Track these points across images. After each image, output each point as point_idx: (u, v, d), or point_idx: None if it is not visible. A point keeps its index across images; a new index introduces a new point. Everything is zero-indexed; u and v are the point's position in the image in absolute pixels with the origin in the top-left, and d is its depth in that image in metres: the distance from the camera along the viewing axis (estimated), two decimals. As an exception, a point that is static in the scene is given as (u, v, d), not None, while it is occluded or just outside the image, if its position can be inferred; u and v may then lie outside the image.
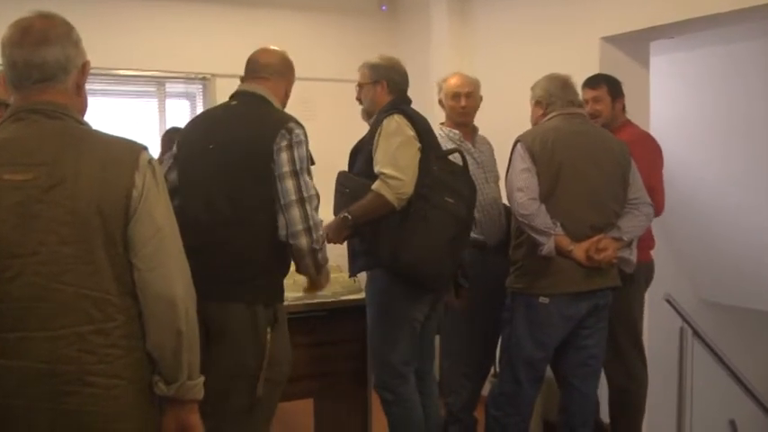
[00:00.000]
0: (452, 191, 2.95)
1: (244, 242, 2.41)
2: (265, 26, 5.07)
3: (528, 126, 3.32)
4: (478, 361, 3.69)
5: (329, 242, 2.85)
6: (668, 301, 3.47)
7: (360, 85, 3.17)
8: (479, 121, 3.76)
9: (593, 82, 3.57)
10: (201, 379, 1.77)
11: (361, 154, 3.03)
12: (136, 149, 1.71)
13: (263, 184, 2.39)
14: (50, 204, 1.61)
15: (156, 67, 4.95)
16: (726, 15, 3.49)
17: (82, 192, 1.62)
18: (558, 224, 2.99)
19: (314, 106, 4.73)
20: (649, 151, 3.50)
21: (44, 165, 1.62)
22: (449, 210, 2.92)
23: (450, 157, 3.12)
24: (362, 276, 3.27)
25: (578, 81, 3.44)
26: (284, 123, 2.43)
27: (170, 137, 3.94)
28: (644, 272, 3.51)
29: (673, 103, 5.27)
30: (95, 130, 1.74)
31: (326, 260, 2.55)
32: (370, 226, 2.90)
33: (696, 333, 3.40)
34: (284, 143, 2.40)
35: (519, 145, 3.09)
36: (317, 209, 2.44)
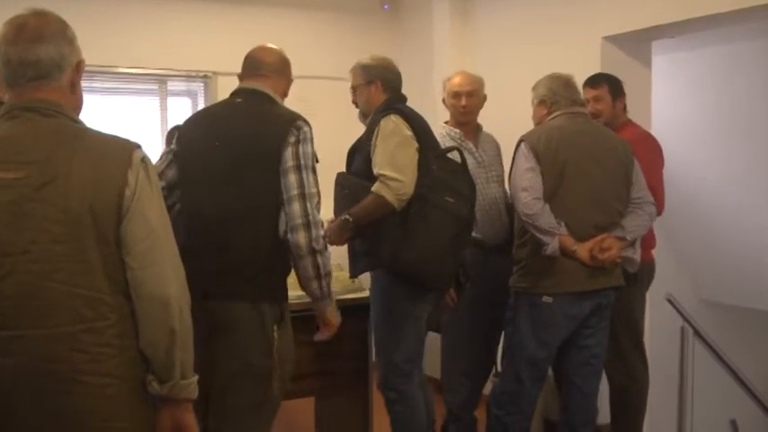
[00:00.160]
0: (452, 190, 2.96)
1: (251, 239, 2.40)
2: (267, 24, 5.07)
3: (529, 126, 3.32)
4: (478, 359, 3.69)
5: (330, 244, 2.85)
6: (669, 301, 3.46)
7: (354, 88, 3.18)
8: (481, 120, 3.76)
9: (593, 81, 3.57)
10: (195, 378, 1.77)
11: (359, 154, 3.04)
12: (129, 148, 1.70)
13: (273, 182, 2.39)
14: (42, 203, 1.60)
15: (157, 65, 4.95)
16: (727, 15, 3.48)
17: (74, 190, 1.61)
18: (563, 224, 2.99)
19: (314, 105, 4.72)
20: (650, 151, 3.49)
21: (36, 163, 1.62)
22: (449, 209, 2.92)
23: (450, 156, 3.12)
24: (363, 276, 3.27)
25: (580, 81, 3.44)
26: (294, 121, 2.43)
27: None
28: (645, 271, 3.51)
29: (674, 103, 5.26)
30: (89, 129, 1.73)
31: (330, 274, 2.47)
32: (371, 227, 2.90)
33: (697, 333, 3.40)
34: (292, 139, 2.40)
35: (523, 144, 3.09)
36: (318, 208, 2.43)
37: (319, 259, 2.40)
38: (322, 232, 2.43)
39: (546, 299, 3.05)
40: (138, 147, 1.72)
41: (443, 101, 3.72)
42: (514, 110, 3.71)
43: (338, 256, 3.15)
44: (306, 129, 2.44)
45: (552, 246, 2.96)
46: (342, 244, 3.00)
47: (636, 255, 3.14)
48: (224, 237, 2.40)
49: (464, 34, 5.01)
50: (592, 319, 3.13)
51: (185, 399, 1.76)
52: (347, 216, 2.91)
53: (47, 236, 1.60)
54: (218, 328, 2.41)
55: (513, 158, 3.14)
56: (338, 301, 2.72)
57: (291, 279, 2.53)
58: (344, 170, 3.16)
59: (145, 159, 1.71)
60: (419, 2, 5.37)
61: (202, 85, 5.12)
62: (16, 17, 1.71)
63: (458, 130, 3.64)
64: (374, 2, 5.62)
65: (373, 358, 3.48)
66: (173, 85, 5.11)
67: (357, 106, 3.21)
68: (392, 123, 2.91)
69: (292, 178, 2.38)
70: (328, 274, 2.45)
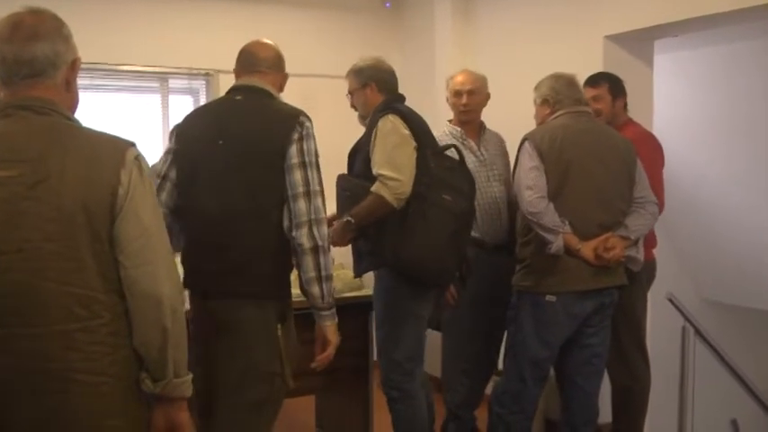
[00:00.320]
0: (450, 187, 2.97)
1: (256, 238, 2.40)
2: (269, 22, 5.06)
3: (531, 125, 3.32)
4: (478, 359, 3.69)
5: (334, 245, 2.86)
6: (670, 301, 3.46)
7: (350, 92, 3.21)
8: (483, 119, 3.76)
9: (593, 81, 3.57)
10: (189, 376, 1.77)
11: (359, 155, 3.06)
12: (122, 146, 1.70)
13: (277, 179, 2.38)
14: (36, 201, 1.60)
15: (159, 63, 4.94)
16: (729, 14, 3.48)
17: (67, 188, 1.61)
18: (567, 222, 3.00)
19: (316, 102, 4.71)
20: (650, 150, 3.49)
21: (30, 161, 1.61)
22: (447, 207, 2.94)
23: (449, 153, 3.13)
24: (366, 274, 3.28)
25: (582, 80, 3.43)
26: (297, 117, 2.42)
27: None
28: (646, 271, 3.51)
29: (676, 102, 5.25)
30: (83, 127, 1.73)
31: (331, 278, 2.42)
32: (373, 227, 2.92)
33: (698, 332, 3.40)
34: (296, 136, 2.39)
35: (527, 143, 3.09)
36: (323, 205, 2.42)
37: (321, 258, 2.38)
38: (326, 230, 2.42)
39: (549, 298, 3.05)
40: (132, 145, 1.72)
41: (447, 99, 3.72)
42: (516, 109, 3.71)
43: (340, 255, 3.16)
44: (308, 124, 2.43)
45: (556, 244, 2.96)
46: (345, 245, 3.02)
47: (639, 254, 3.15)
48: (229, 236, 2.39)
49: (466, 32, 5.01)
50: (594, 318, 3.13)
51: (179, 397, 1.76)
52: (348, 217, 2.93)
53: (40, 234, 1.60)
54: (223, 327, 2.41)
55: (517, 157, 3.14)
56: (339, 299, 2.71)
57: (293, 277, 2.53)
58: (346, 171, 3.18)
59: (138, 158, 1.70)
60: (421, 0, 5.37)
61: (204, 82, 5.12)
62: (12, 15, 1.70)
63: (459, 129, 3.64)
64: (376, 0, 5.62)
65: (374, 357, 3.49)
66: (174, 83, 5.10)
67: (356, 110, 3.22)
68: (390, 123, 2.93)
69: (297, 175, 2.37)
70: (330, 278, 2.41)
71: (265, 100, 2.52)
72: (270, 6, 5.20)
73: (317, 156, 2.45)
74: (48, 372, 1.60)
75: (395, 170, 2.85)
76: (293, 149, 2.38)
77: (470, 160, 3.50)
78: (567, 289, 3.04)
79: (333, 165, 3.06)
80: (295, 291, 2.57)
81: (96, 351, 1.63)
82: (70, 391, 1.62)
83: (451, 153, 3.13)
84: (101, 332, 1.64)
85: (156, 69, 4.98)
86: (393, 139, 2.90)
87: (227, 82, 2.64)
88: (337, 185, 3.10)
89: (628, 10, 3.88)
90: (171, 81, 5.08)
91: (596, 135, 3.14)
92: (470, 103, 3.62)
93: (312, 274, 2.38)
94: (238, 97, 2.54)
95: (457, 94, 3.63)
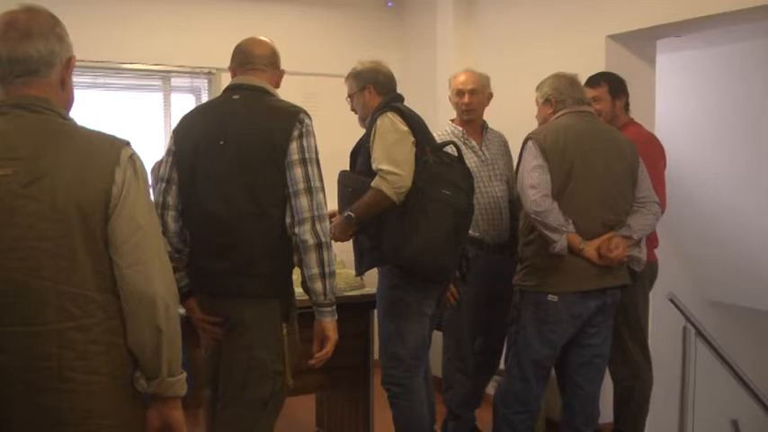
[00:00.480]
0: (448, 182, 2.98)
1: (260, 236, 2.40)
2: (270, 21, 5.06)
3: (533, 125, 3.32)
4: (478, 359, 3.69)
5: (335, 240, 2.88)
6: (672, 301, 3.45)
7: (350, 96, 3.23)
8: (485, 118, 3.76)
9: (592, 81, 3.56)
10: (183, 375, 1.77)
11: (361, 154, 3.08)
12: (117, 145, 1.69)
13: (279, 177, 2.38)
14: (30, 199, 1.59)
15: (161, 62, 4.95)
16: (732, 14, 3.47)
17: (61, 187, 1.60)
18: (570, 222, 2.99)
19: (318, 101, 4.73)
20: (652, 153, 3.48)
21: (24, 159, 1.61)
22: (446, 201, 2.94)
23: (448, 149, 3.14)
24: (366, 273, 3.29)
25: (584, 79, 3.43)
26: (297, 114, 2.42)
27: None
28: (648, 271, 3.50)
29: (678, 102, 5.25)
30: (78, 125, 1.72)
31: (333, 275, 2.42)
32: (375, 223, 2.93)
33: (699, 333, 3.39)
34: (296, 133, 2.39)
35: (530, 142, 3.08)
36: (324, 201, 2.43)
37: (325, 254, 2.38)
38: (328, 226, 2.43)
39: (551, 297, 3.05)
40: (127, 144, 1.71)
41: (449, 98, 3.72)
42: (518, 109, 3.70)
43: (341, 252, 3.16)
44: (308, 121, 2.43)
45: (560, 244, 2.96)
46: (346, 240, 3.03)
47: (642, 254, 3.15)
48: (233, 235, 2.40)
49: (468, 31, 5.00)
50: (597, 318, 3.13)
51: (173, 396, 1.76)
52: (350, 212, 2.95)
53: (34, 233, 1.59)
54: (228, 326, 2.43)
55: (520, 156, 3.14)
56: (340, 297, 2.71)
57: (295, 275, 2.53)
58: (347, 168, 3.19)
59: (133, 157, 1.70)
60: (423, -1, 5.37)
61: (206, 81, 5.13)
62: (6, 13, 1.70)
63: (461, 128, 3.64)
64: (378, -1, 5.62)
65: (375, 356, 3.49)
66: (177, 82, 5.11)
67: (356, 113, 3.24)
68: (388, 120, 2.96)
69: (298, 172, 2.37)
70: (332, 275, 2.41)
71: (263, 98, 2.51)
72: (272, 5, 5.20)
73: (317, 152, 2.45)
74: (42, 370, 1.60)
75: (394, 165, 2.87)
76: (293, 146, 2.38)
77: (472, 160, 3.50)
78: (569, 289, 3.04)
79: (335, 162, 3.09)
80: (297, 289, 2.57)
81: (91, 350, 1.63)
82: (65, 389, 1.62)
83: (450, 150, 3.14)
84: (95, 331, 1.64)
85: (159, 68, 4.98)
86: (392, 135, 2.93)
87: (229, 81, 2.63)
88: (339, 182, 3.12)
89: (630, 10, 3.88)
90: (173, 79, 5.09)
91: (599, 134, 3.14)
92: (472, 102, 3.62)
93: (315, 270, 2.38)
94: (236, 96, 2.53)
95: (459, 93, 3.63)
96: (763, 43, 4.92)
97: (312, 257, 2.37)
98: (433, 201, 2.91)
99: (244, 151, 2.41)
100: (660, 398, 3.77)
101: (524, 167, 3.08)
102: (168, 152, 2.57)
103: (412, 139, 2.95)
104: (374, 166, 2.92)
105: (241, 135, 2.43)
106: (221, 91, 2.65)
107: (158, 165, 3.35)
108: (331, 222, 2.86)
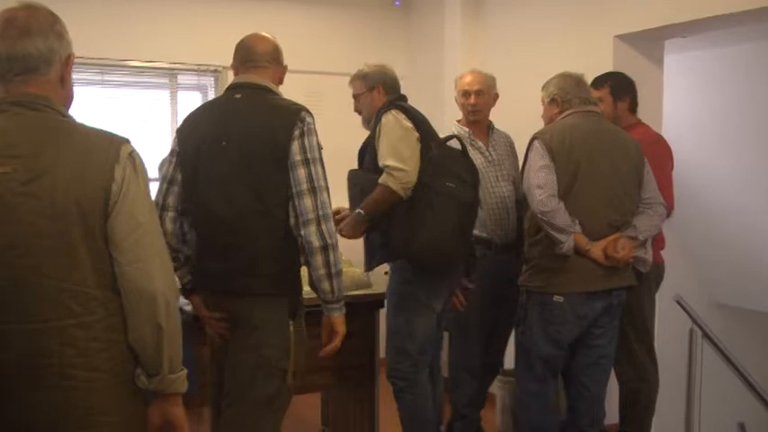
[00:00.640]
0: (452, 175, 3.01)
1: (265, 236, 2.40)
2: (277, 19, 5.06)
3: (540, 125, 3.31)
4: (484, 359, 3.69)
5: (347, 237, 2.95)
6: (678, 303, 3.44)
7: (356, 97, 3.25)
8: (492, 119, 3.75)
9: (596, 83, 3.55)
10: (183, 372, 1.77)
11: (368, 152, 3.12)
12: (116, 142, 1.69)
13: (282, 177, 2.38)
14: (30, 197, 1.59)
15: (168, 59, 4.96)
16: (740, 15, 3.47)
17: (61, 185, 1.60)
18: (577, 222, 2.99)
19: (324, 99, 4.74)
20: (659, 154, 3.47)
21: (24, 157, 1.61)
22: (450, 194, 2.96)
23: (451, 144, 3.16)
24: (372, 272, 3.30)
25: (591, 80, 3.42)
26: (298, 113, 2.42)
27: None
28: (654, 273, 3.50)
29: (686, 102, 5.23)
30: (77, 123, 1.72)
31: (340, 273, 2.43)
32: (384, 219, 2.97)
33: (706, 335, 3.38)
34: (297, 132, 2.39)
35: (536, 142, 3.07)
36: (328, 200, 2.43)
37: (331, 256, 2.39)
38: (333, 226, 2.43)
39: (557, 298, 3.05)
40: (127, 141, 1.71)
41: (455, 99, 3.71)
42: (525, 108, 3.69)
43: (347, 249, 3.17)
44: (309, 120, 2.43)
45: (567, 244, 2.96)
46: (358, 237, 3.08)
47: (647, 255, 3.15)
48: (238, 235, 2.40)
49: (475, 31, 4.99)
50: (603, 319, 3.12)
51: (174, 393, 1.76)
52: (359, 210, 2.99)
53: (34, 230, 1.59)
54: (235, 324, 2.44)
55: (526, 156, 3.13)
56: (347, 297, 2.71)
57: (303, 273, 2.53)
58: (354, 166, 3.23)
59: (132, 154, 1.69)
60: (431, -2, 5.36)
61: (213, 78, 5.13)
62: (6, 10, 1.70)
63: (468, 129, 3.64)
64: (385, -2, 5.62)
65: (381, 355, 3.49)
66: (183, 79, 5.11)
67: (360, 114, 3.26)
68: (393, 117, 3.00)
69: (301, 172, 2.37)
70: (339, 274, 2.42)
71: (265, 96, 2.51)
72: (278, 3, 5.20)
73: (319, 150, 2.44)
74: (43, 367, 1.60)
75: (400, 161, 2.92)
76: (295, 146, 2.38)
77: (479, 160, 3.50)
78: (574, 289, 3.04)
79: (339, 160, 3.13)
80: (305, 288, 2.57)
81: (92, 347, 1.63)
82: (66, 386, 1.62)
83: (454, 144, 3.17)
84: (96, 328, 1.64)
85: (165, 65, 4.99)
86: (397, 132, 2.98)
87: (235, 79, 2.63)
88: (348, 180, 3.16)
89: (638, 10, 3.87)
90: (180, 77, 5.09)
91: (605, 134, 3.14)
92: (478, 103, 3.61)
93: (322, 271, 2.39)
94: (238, 95, 2.52)
95: (465, 94, 3.63)
96: (769, 44, 4.90)
97: (318, 259, 2.38)
98: (438, 194, 2.94)
99: (246, 150, 2.41)
100: (666, 400, 3.76)
101: (531, 167, 3.07)
102: (172, 152, 2.56)
103: (416, 135, 2.99)
104: (380, 163, 2.96)
105: (243, 134, 2.43)
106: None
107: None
108: (335, 218, 2.87)
